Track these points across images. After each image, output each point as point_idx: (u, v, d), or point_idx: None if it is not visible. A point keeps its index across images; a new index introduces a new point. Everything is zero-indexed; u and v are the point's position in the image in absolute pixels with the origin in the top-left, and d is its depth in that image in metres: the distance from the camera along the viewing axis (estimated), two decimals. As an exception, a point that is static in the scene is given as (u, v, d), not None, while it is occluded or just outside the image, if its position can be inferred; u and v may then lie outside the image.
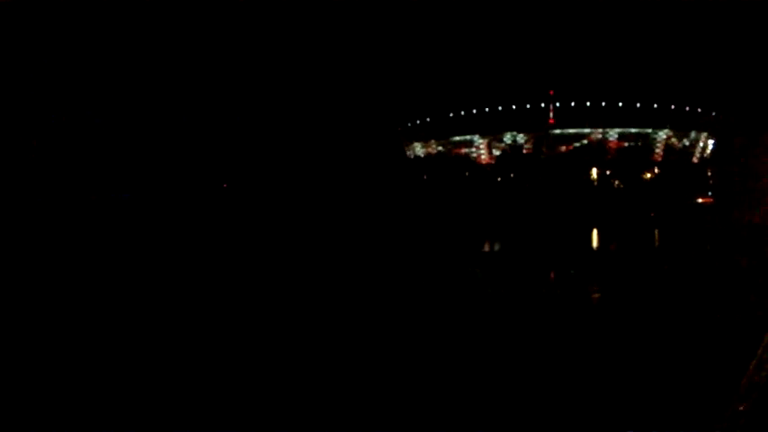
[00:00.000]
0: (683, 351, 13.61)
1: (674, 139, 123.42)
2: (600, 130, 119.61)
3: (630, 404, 10.21)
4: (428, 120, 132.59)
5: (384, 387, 11.52)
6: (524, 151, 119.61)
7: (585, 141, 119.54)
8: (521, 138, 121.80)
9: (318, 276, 28.01)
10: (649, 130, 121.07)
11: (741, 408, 6.81)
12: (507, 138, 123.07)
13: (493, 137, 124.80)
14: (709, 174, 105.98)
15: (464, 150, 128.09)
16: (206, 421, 9.42)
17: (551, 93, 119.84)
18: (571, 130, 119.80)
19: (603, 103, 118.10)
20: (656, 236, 53.78)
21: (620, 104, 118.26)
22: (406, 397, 10.95)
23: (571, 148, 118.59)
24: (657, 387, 11.01)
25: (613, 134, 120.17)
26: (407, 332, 16.25)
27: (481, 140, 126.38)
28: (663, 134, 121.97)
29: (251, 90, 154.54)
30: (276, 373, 12.57)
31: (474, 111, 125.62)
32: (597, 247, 45.60)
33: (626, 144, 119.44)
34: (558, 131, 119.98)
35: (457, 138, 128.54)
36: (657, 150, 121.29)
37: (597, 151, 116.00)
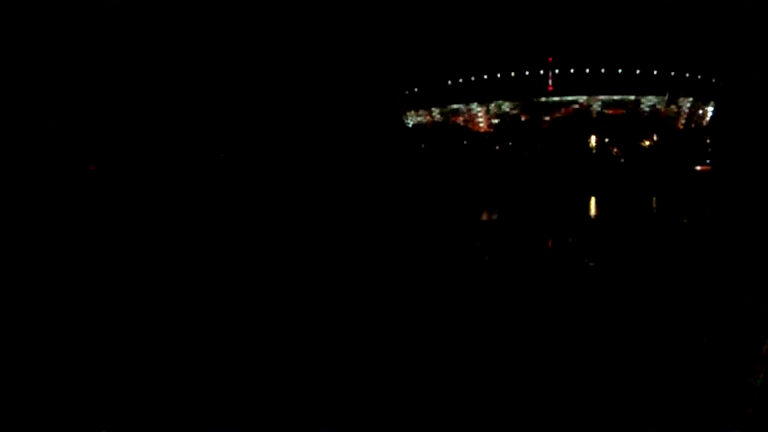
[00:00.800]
0: (679, 325, 13.60)
1: (672, 107, 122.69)
2: (598, 98, 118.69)
3: (626, 387, 10.16)
4: (426, 87, 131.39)
5: (384, 357, 11.53)
6: (522, 119, 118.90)
7: (584, 109, 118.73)
8: (518, 105, 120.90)
9: (316, 244, 28.00)
10: (648, 98, 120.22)
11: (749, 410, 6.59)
12: (505, 105, 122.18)
13: (491, 104, 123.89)
14: (708, 141, 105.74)
15: (462, 118, 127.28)
16: (205, 419, 9.27)
17: (550, 60, 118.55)
18: (570, 98, 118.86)
19: (603, 70, 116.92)
20: (654, 203, 53.76)
21: (620, 71, 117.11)
22: (408, 368, 10.95)
23: (569, 114, 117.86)
24: (653, 370, 10.94)
25: (612, 101, 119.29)
26: (405, 301, 16.26)
27: (479, 108, 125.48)
28: (661, 101, 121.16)
29: (249, 60, 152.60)
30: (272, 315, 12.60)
31: (472, 78, 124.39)
32: (595, 216, 45.60)
33: (624, 111, 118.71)
34: (556, 99, 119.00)
35: (455, 105, 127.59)
36: (655, 118, 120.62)
37: (595, 119, 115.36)
